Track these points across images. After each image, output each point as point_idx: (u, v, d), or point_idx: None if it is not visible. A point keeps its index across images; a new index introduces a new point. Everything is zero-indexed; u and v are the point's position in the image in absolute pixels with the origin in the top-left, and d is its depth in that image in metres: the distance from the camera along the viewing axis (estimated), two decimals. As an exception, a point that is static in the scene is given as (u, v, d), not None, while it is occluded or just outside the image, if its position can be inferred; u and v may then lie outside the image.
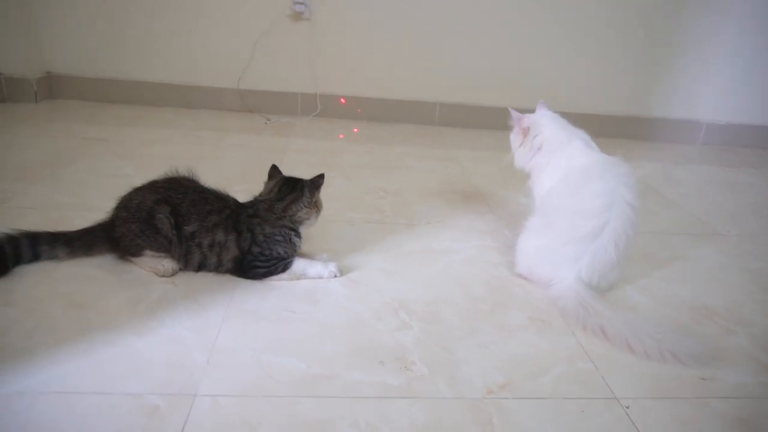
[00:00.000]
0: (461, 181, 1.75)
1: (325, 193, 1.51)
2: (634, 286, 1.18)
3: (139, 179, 1.13)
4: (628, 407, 0.83)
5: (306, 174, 1.18)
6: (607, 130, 2.47)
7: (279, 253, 1.06)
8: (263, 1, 2.19)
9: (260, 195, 1.13)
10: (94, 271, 1.05)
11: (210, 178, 1.56)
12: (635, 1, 2.29)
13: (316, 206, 1.13)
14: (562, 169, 1.14)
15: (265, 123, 2.21)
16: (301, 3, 2.18)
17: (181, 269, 1.06)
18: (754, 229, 1.58)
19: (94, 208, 1.30)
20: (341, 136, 2.14)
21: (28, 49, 2.13)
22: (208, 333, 0.90)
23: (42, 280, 1.00)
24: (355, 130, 2.21)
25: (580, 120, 2.49)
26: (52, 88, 2.24)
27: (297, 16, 2.21)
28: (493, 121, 2.42)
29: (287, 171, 1.19)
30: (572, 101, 2.41)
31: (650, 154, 2.31)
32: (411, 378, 0.84)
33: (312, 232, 1.29)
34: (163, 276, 1.04)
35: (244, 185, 1.53)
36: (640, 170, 2.05)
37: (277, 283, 1.07)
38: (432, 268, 1.19)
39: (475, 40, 2.31)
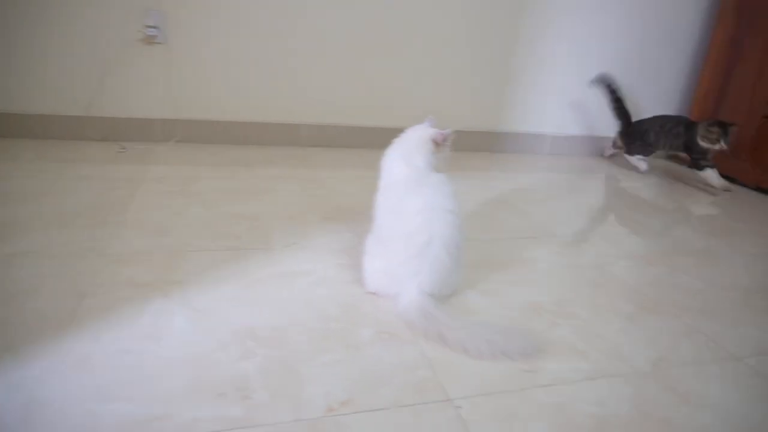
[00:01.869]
0: (323, 202, 1.77)
1: (178, 223, 1.47)
2: (476, 290, 1.27)
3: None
4: (459, 407, 0.88)
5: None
6: (472, 144, 2.65)
7: None
8: (112, 26, 2.09)
9: None
10: None
11: (49, 215, 1.45)
12: (485, 30, 2.48)
13: None
14: (383, 186, 1.22)
15: (120, 151, 2.09)
16: (154, 27, 2.11)
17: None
18: (586, 228, 1.77)
19: None
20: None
21: None
22: (25, 389, 0.83)
23: None
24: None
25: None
26: None
27: (149, 40, 2.13)
28: (358, 141, 2.49)
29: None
30: (438, 118, 2.56)
31: (504, 165, 2.51)
32: (250, 407, 0.84)
33: (157, 263, 1.24)
34: None
35: (90, 220, 1.45)
36: (494, 181, 2.21)
37: (116, 322, 1.01)
38: (285, 292, 1.19)
39: (338, 62, 2.37)
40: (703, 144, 2.34)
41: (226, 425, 0.80)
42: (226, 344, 0.99)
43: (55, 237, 1.34)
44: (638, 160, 2.61)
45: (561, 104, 2.76)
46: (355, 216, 1.67)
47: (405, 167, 1.21)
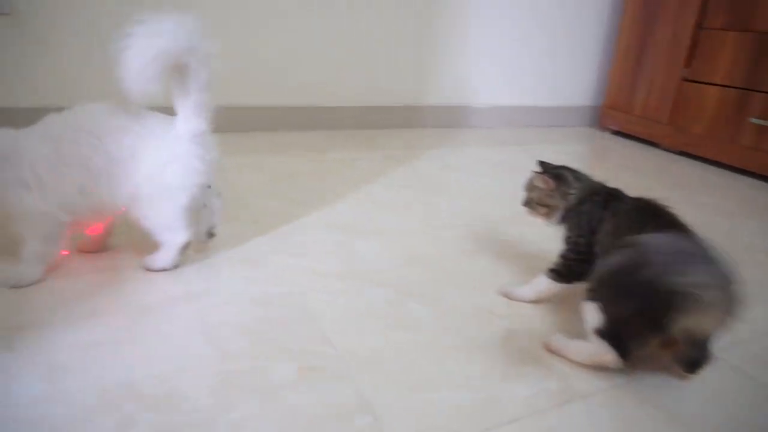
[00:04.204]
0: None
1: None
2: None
3: None
4: (412, 468, 0.69)
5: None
6: (390, 121, 2.44)
7: None
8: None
9: None
10: None
11: None
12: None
13: None
14: None
15: None
16: (-5, -7, 1.70)
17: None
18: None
19: None
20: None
21: None
22: None
23: None
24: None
25: (363, 113, 2.37)
26: None
27: (-8, 10, 1.72)
28: (260, 123, 2.21)
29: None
30: (356, 95, 2.33)
31: (429, 142, 2.32)
32: None
33: None
34: None
35: None
36: (419, 161, 2.02)
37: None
38: (172, 323, 0.93)
39: (254, 32, 2.06)
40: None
41: None
42: (96, 412, 0.72)
43: None
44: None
45: (489, 73, 2.61)
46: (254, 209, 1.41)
47: None
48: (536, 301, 1.06)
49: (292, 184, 1.64)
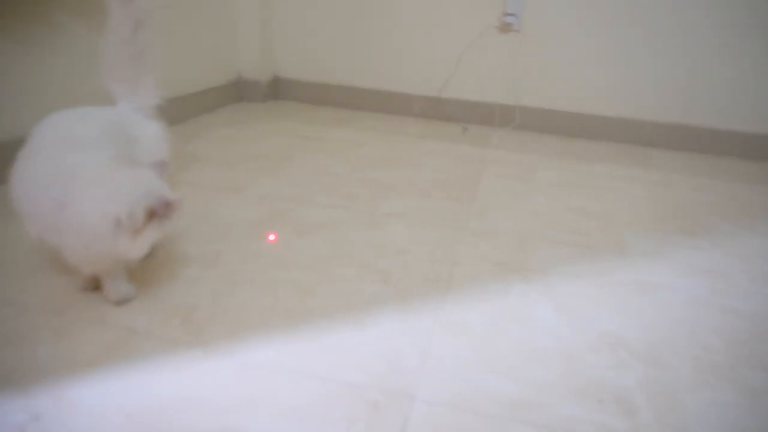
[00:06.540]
0: (677, 211, 1.57)
1: (523, 209, 1.48)
2: None
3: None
4: None
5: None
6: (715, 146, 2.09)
7: None
8: (472, 12, 2.21)
9: None
10: (314, 262, 1.14)
11: (411, 183, 1.62)
12: None
13: None
14: None
15: (462, 132, 2.23)
16: (512, 14, 2.16)
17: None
18: None
19: (314, 203, 1.43)
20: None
21: (261, 56, 2.43)
22: (419, 338, 0.93)
23: (277, 266, 1.12)
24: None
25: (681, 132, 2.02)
26: (277, 90, 2.52)
27: (505, 27, 2.19)
28: (713, 146, 2.15)
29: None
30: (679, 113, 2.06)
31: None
32: (636, 425, 0.77)
33: (509, 246, 1.26)
34: None
35: (445, 192, 1.57)
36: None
37: (485, 296, 1.06)
38: (649, 304, 1.08)
39: (693, 52, 2.07)
40: None
41: (609, 436, 0.75)
42: (594, 346, 0.94)
43: (418, 204, 1.48)
44: None
45: None
46: (719, 233, 1.43)
47: None
48: None
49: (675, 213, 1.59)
